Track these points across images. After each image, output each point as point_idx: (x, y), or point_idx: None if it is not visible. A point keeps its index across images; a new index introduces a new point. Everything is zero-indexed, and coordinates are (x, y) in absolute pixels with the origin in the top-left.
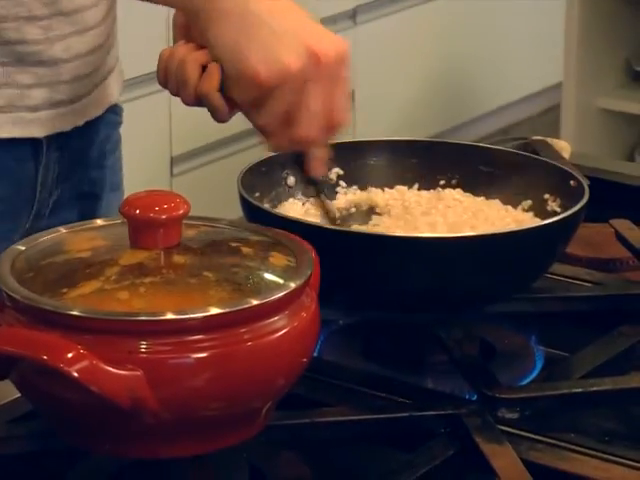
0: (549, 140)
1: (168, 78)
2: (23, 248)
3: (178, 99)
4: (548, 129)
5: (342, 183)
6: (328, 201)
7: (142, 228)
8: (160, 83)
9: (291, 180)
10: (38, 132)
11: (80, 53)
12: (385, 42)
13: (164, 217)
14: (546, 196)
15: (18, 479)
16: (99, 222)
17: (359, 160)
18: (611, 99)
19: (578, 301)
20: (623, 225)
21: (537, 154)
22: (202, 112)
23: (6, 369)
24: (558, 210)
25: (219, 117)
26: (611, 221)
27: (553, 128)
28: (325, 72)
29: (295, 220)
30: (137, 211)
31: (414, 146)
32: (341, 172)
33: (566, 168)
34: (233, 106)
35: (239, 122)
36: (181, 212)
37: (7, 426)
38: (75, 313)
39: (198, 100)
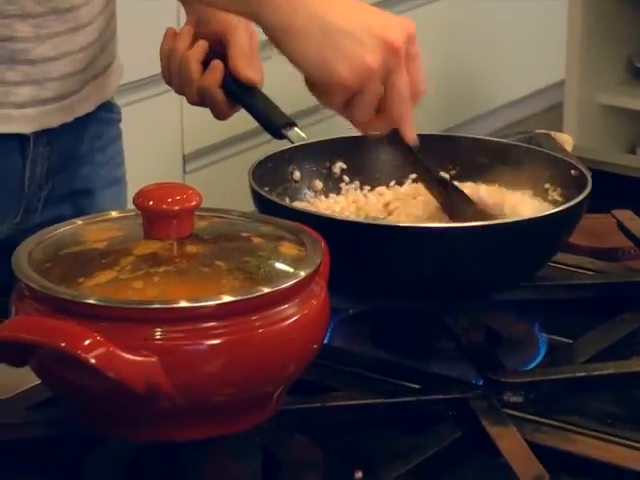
0: (552, 134)
1: (172, 77)
2: (40, 239)
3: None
4: (551, 125)
5: (345, 178)
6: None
7: (155, 219)
8: (166, 81)
9: (297, 175)
10: (24, 128)
11: (70, 51)
12: None
13: (177, 208)
14: (547, 186)
15: (37, 465)
16: (114, 214)
17: (363, 154)
18: (612, 95)
19: (581, 289)
20: (625, 215)
21: (541, 147)
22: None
23: (25, 357)
24: (559, 199)
25: (219, 113)
26: (613, 212)
27: (556, 124)
28: (402, 57)
29: (305, 211)
30: (150, 202)
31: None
32: (344, 166)
33: (566, 158)
34: (234, 104)
35: (248, 120)
36: (193, 203)
37: (26, 412)
38: (91, 302)
39: (201, 98)
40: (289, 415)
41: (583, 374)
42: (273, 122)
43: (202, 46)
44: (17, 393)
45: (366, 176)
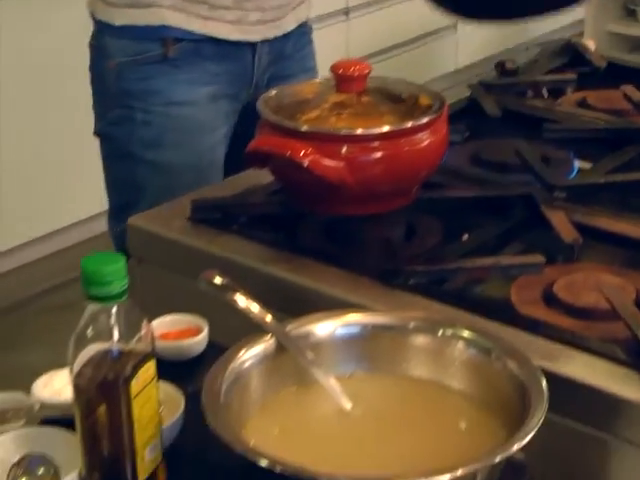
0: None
1: None
2: (273, 93)
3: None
4: None
5: None
6: None
7: (343, 80)
8: None
9: None
10: (254, 38)
11: None
12: None
13: (357, 74)
14: None
15: (272, 229)
16: (317, 80)
17: None
18: (615, 25)
19: (599, 131)
20: (629, 89)
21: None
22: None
23: (265, 162)
24: None
25: None
26: (621, 87)
27: None
28: None
29: None
30: (341, 70)
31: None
32: None
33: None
34: None
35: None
36: (367, 71)
37: (265, 197)
38: (305, 129)
39: None
40: (421, 202)
41: (602, 181)
42: None
43: None
44: (260, 185)
45: None
